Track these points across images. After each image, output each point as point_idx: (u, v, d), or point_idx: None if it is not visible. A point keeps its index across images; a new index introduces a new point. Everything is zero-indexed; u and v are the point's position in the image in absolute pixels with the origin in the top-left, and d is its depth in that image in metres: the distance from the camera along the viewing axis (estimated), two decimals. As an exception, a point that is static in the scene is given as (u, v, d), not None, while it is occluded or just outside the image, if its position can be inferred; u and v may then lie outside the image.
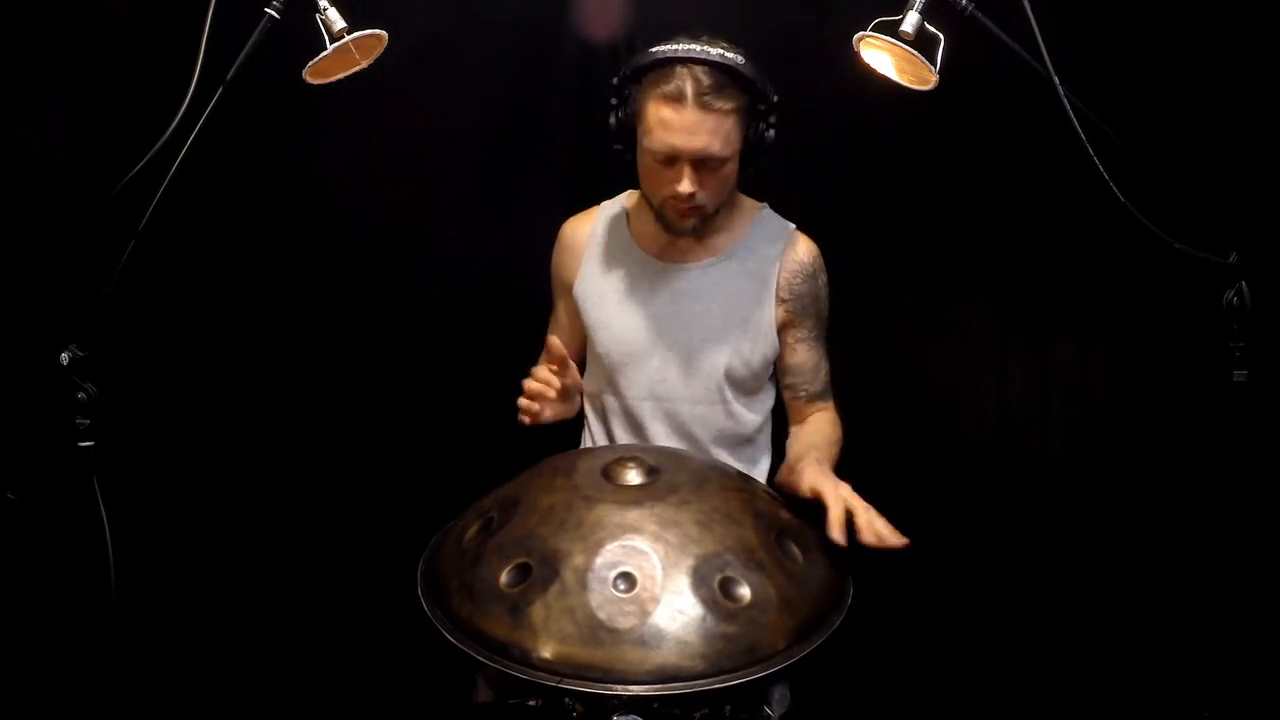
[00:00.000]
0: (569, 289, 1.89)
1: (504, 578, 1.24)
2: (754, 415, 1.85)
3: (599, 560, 1.22)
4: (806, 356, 1.83)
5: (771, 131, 1.69)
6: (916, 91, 1.63)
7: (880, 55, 1.63)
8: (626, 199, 1.91)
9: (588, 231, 1.90)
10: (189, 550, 2.17)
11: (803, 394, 1.85)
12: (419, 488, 2.15)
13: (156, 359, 2.11)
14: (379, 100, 2.01)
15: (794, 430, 1.85)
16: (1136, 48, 2.02)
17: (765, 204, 1.88)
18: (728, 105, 1.61)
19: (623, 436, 1.86)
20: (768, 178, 1.90)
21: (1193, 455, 2.03)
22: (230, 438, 2.21)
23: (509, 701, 1.26)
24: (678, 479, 1.36)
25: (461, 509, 1.46)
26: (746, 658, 1.19)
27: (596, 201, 1.94)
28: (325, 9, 1.57)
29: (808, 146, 2.15)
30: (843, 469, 1.81)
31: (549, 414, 1.69)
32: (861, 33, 1.60)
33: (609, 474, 1.37)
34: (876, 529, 1.39)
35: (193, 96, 1.55)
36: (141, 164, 1.57)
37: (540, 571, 1.23)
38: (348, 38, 1.57)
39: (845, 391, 1.89)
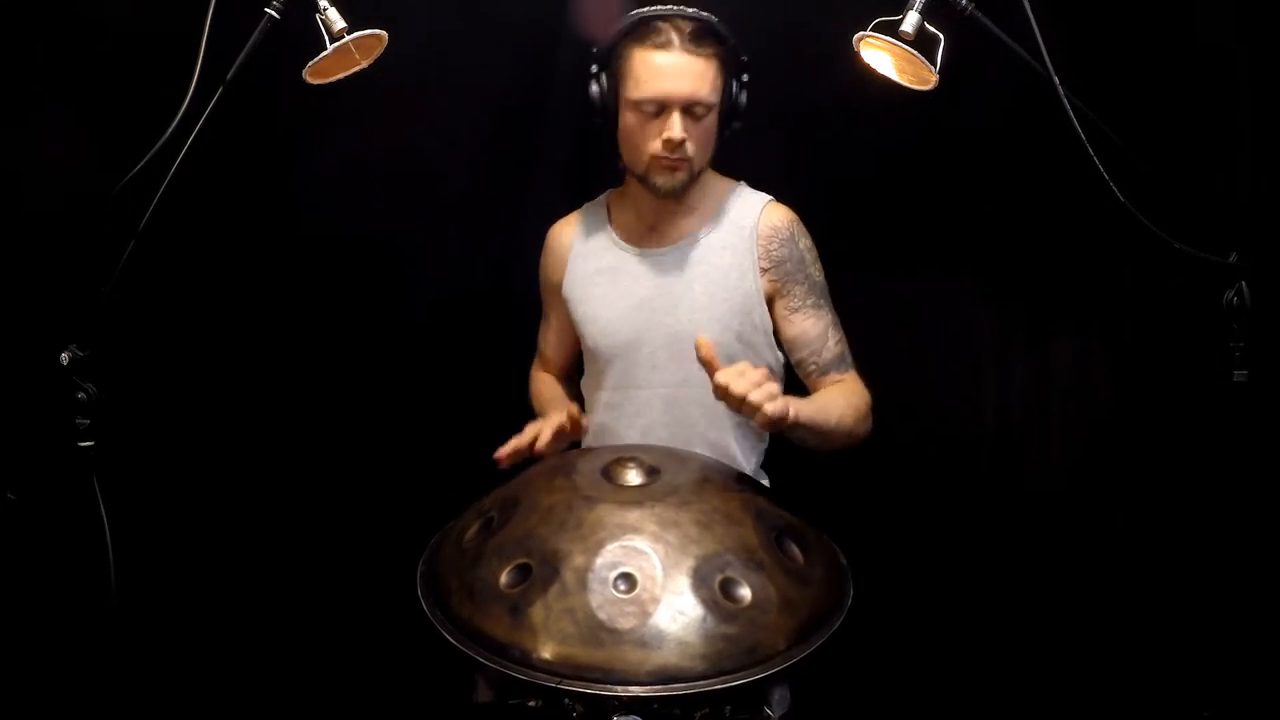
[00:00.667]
0: (558, 292, 1.90)
1: (504, 578, 1.24)
2: None
3: (599, 561, 1.22)
4: (805, 326, 1.80)
5: (744, 94, 1.75)
6: (916, 91, 1.63)
7: (880, 55, 1.63)
8: (606, 197, 1.93)
9: (571, 233, 1.92)
10: (189, 550, 2.17)
11: (813, 367, 1.81)
12: (419, 488, 2.15)
13: (156, 359, 2.11)
14: (379, 100, 2.01)
15: None
16: (1136, 48, 2.02)
17: (741, 181, 1.89)
18: (709, 51, 1.69)
19: (623, 429, 1.85)
20: (768, 176, 1.90)
21: (1193, 455, 2.03)
22: (230, 438, 2.21)
23: (509, 702, 1.26)
24: (678, 479, 1.36)
25: (461, 509, 1.46)
26: (747, 658, 1.19)
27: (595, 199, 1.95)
28: (325, 9, 1.57)
29: (808, 146, 2.16)
30: (843, 468, 1.81)
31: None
32: (861, 33, 1.60)
33: (609, 474, 1.37)
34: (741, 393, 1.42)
35: (193, 96, 1.55)
36: (141, 164, 1.57)
37: (540, 572, 1.23)
38: (348, 38, 1.57)
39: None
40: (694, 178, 1.75)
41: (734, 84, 1.74)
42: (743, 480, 1.49)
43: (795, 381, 1.86)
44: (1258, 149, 1.97)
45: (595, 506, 1.29)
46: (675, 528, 1.26)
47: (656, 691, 1.15)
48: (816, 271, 1.83)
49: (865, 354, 1.88)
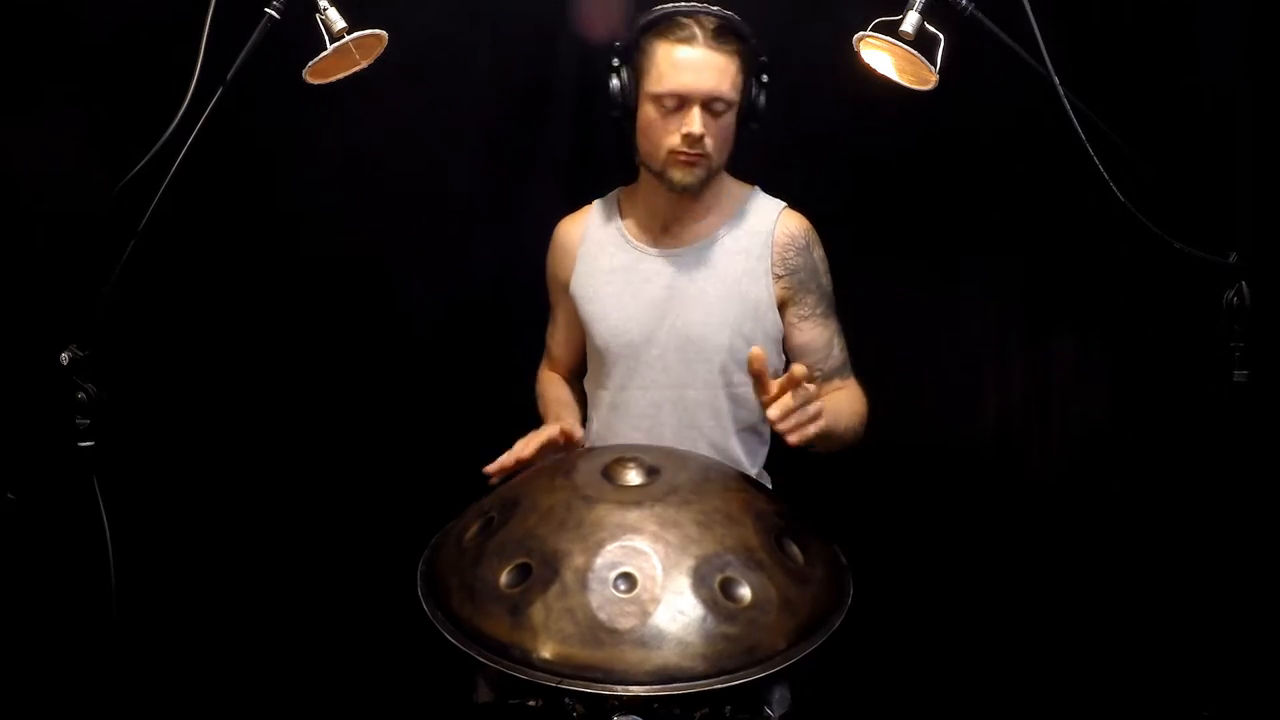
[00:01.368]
0: (566, 289, 1.89)
1: (504, 578, 1.24)
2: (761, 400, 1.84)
3: (599, 560, 1.22)
4: (814, 334, 1.82)
5: (763, 95, 1.75)
6: (916, 91, 1.63)
7: (880, 55, 1.63)
8: (618, 194, 1.92)
9: (580, 230, 1.90)
10: (189, 550, 2.17)
11: (818, 374, 1.82)
12: (419, 488, 2.15)
13: (156, 359, 2.11)
14: (379, 100, 2.01)
15: None
16: (1136, 48, 2.02)
17: (756, 186, 1.89)
18: (732, 48, 1.69)
19: (628, 429, 1.85)
20: (767, 176, 1.90)
21: (1193, 455, 2.03)
22: (230, 438, 2.21)
23: (509, 702, 1.26)
24: (678, 479, 1.36)
25: (461, 509, 1.46)
26: (747, 658, 1.19)
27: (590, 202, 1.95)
28: (325, 9, 1.57)
29: (808, 146, 2.16)
30: (843, 468, 1.82)
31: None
32: (861, 33, 1.60)
33: (609, 474, 1.37)
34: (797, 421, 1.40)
35: (193, 96, 1.55)
36: (141, 164, 1.57)
37: (540, 572, 1.23)
38: (348, 38, 1.57)
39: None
40: (711, 175, 1.75)
41: (754, 83, 1.74)
42: (743, 480, 1.49)
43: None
44: (1258, 149, 1.97)
45: (595, 506, 1.29)
46: (675, 528, 1.26)
47: (656, 691, 1.15)
48: (827, 281, 1.84)
49: (866, 354, 1.88)
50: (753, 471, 1.87)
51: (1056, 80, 1.53)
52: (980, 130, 2.14)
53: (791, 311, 1.82)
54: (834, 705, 1.59)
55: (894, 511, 2.24)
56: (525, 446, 1.62)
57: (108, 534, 1.66)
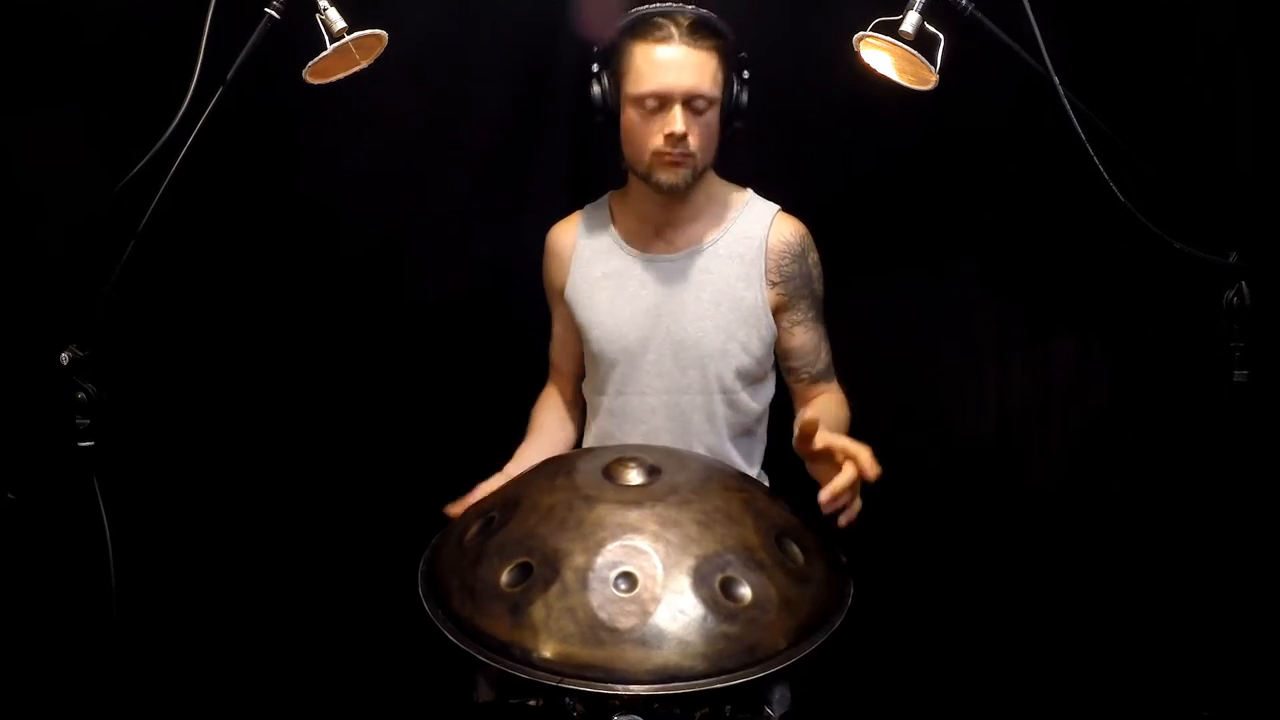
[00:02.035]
0: (561, 295, 1.89)
1: (505, 577, 1.24)
2: (755, 404, 1.85)
3: (600, 560, 1.22)
4: (805, 338, 1.83)
5: (745, 93, 1.74)
6: (916, 91, 1.63)
7: (880, 55, 1.63)
8: (609, 199, 1.92)
9: (573, 236, 1.90)
10: (189, 550, 2.17)
11: (805, 376, 1.84)
12: (419, 488, 2.15)
13: (156, 359, 2.10)
14: (379, 100, 2.01)
15: (802, 411, 1.82)
16: (1136, 48, 2.02)
17: (749, 189, 1.88)
18: (710, 44, 1.69)
19: (624, 434, 1.85)
20: (767, 176, 1.90)
21: (1193, 455, 2.03)
22: (230, 438, 2.21)
23: (509, 701, 1.26)
24: (678, 479, 1.36)
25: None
26: (747, 657, 1.19)
27: (596, 200, 1.95)
28: (325, 9, 1.57)
29: (808, 146, 2.16)
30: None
31: None
32: (861, 33, 1.60)
33: (609, 474, 1.37)
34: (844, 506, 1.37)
35: (193, 96, 1.55)
36: (141, 164, 1.57)
37: (541, 571, 1.23)
38: (348, 38, 1.57)
39: (844, 391, 1.89)
40: (698, 175, 1.74)
41: (735, 80, 1.74)
42: (743, 480, 1.48)
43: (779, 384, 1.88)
44: (1258, 149, 1.97)
45: (596, 506, 1.29)
46: (676, 527, 1.26)
47: (657, 690, 1.15)
48: (820, 287, 1.85)
49: (866, 354, 1.89)
50: (752, 473, 1.87)
51: (1056, 80, 1.53)
52: (980, 130, 2.14)
53: (784, 317, 1.82)
54: (834, 705, 1.59)
55: (894, 511, 2.24)
56: (480, 491, 1.59)
57: (108, 534, 1.66)
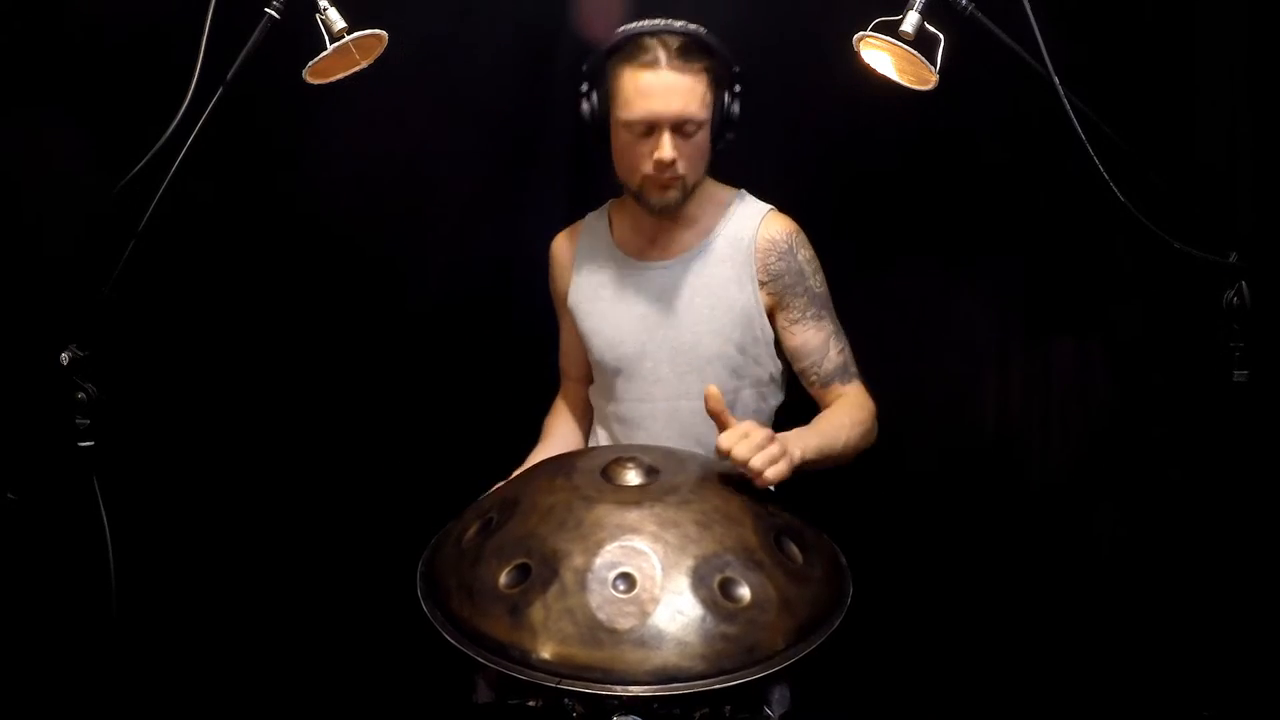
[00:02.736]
0: (565, 303, 1.90)
1: (503, 578, 1.24)
2: (761, 406, 1.85)
3: (598, 561, 1.22)
4: (806, 337, 1.80)
5: (737, 105, 1.72)
6: (916, 91, 1.63)
7: (880, 55, 1.63)
8: (608, 207, 1.92)
9: (573, 245, 1.91)
10: (189, 550, 2.17)
11: (815, 378, 1.82)
12: (419, 488, 2.15)
13: (156, 359, 2.11)
14: (379, 101, 2.01)
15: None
16: (1136, 47, 2.02)
17: (742, 190, 1.87)
18: (698, 66, 1.66)
19: (629, 441, 1.85)
20: (767, 177, 1.90)
21: (1193, 455, 2.03)
22: (230, 438, 2.21)
23: (508, 702, 1.26)
24: (677, 479, 1.36)
25: (461, 509, 1.46)
26: (746, 658, 1.19)
27: (595, 203, 1.95)
28: (325, 9, 1.57)
29: (807, 147, 2.16)
30: (844, 468, 1.81)
31: None
32: (861, 33, 1.60)
33: (608, 474, 1.37)
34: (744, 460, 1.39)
35: (193, 96, 1.55)
36: (141, 164, 1.57)
37: (540, 572, 1.23)
38: (348, 38, 1.57)
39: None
40: (688, 193, 1.74)
41: (726, 96, 1.72)
42: (742, 480, 1.48)
43: (796, 388, 1.87)
44: (1258, 150, 1.97)
45: (594, 506, 1.29)
46: (674, 527, 1.26)
47: (656, 691, 1.15)
48: (817, 283, 1.82)
49: (866, 355, 1.88)
50: None
51: (1056, 80, 1.53)
52: (980, 130, 2.14)
53: (781, 316, 1.81)
54: (834, 705, 1.59)
55: (894, 511, 2.24)
56: None
57: (108, 534, 1.66)
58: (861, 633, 1.34)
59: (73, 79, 1.96)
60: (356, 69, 1.62)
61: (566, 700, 1.21)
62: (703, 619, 1.19)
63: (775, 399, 1.87)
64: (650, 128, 1.67)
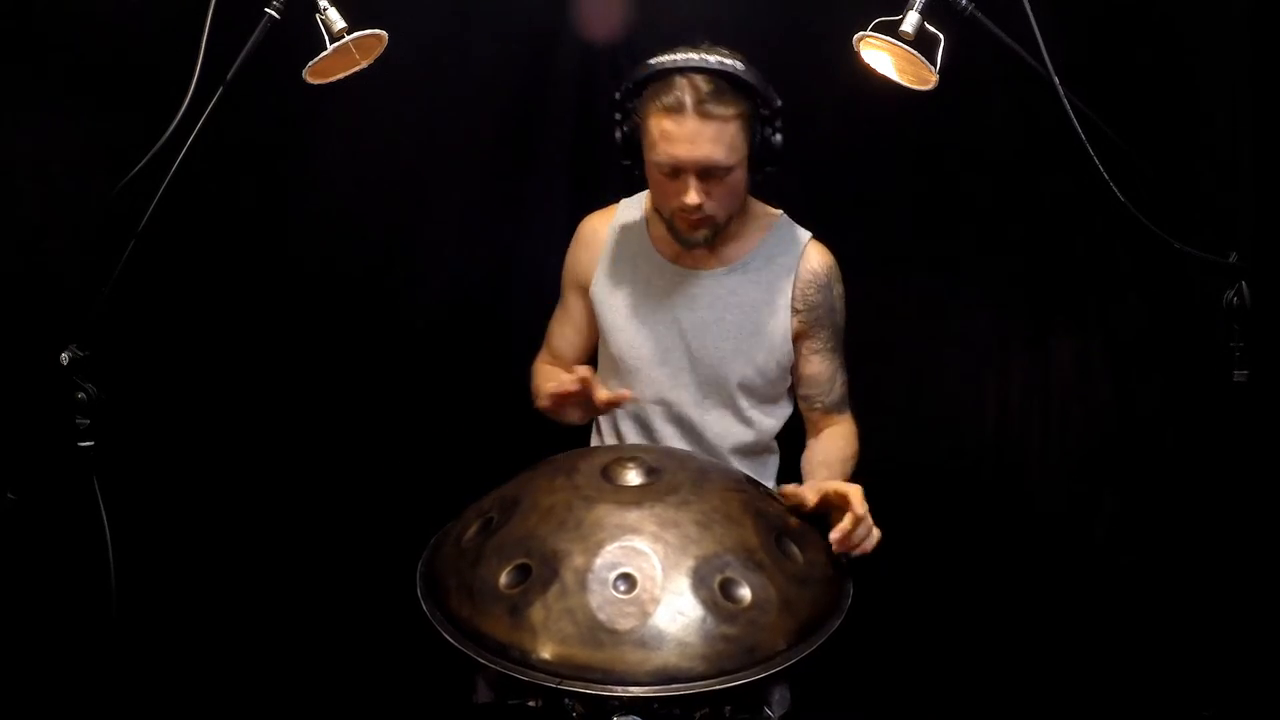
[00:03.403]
0: (584, 287, 1.88)
1: (504, 578, 1.24)
2: (770, 422, 1.85)
3: (599, 561, 1.22)
4: (821, 368, 1.82)
5: (779, 136, 1.67)
6: (916, 91, 1.63)
7: (880, 55, 1.63)
8: (645, 200, 1.88)
9: (606, 230, 1.88)
10: (189, 550, 2.17)
11: (818, 406, 1.84)
12: (419, 488, 2.15)
13: (156, 359, 2.10)
14: (379, 101, 2.01)
15: (810, 444, 1.83)
16: (1136, 47, 2.02)
17: (782, 212, 1.86)
18: (729, 111, 1.60)
19: (633, 439, 1.85)
20: (767, 180, 1.90)
21: (1193, 455, 2.03)
22: (230, 438, 2.21)
23: (509, 702, 1.26)
24: (678, 479, 1.36)
25: (461, 509, 1.46)
26: (747, 658, 1.19)
27: (595, 204, 1.94)
28: (325, 9, 1.57)
29: (807, 147, 2.15)
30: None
31: (572, 416, 1.76)
32: (861, 33, 1.60)
33: (609, 474, 1.37)
34: (858, 543, 1.40)
35: (193, 96, 1.55)
36: (141, 164, 1.57)
37: (540, 572, 1.23)
38: (348, 38, 1.57)
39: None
40: (720, 231, 1.72)
41: (765, 131, 1.65)
42: (743, 480, 1.49)
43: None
44: (1258, 150, 1.97)
45: (595, 507, 1.29)
46: (675, 528, 1.26)
47: (656, 692, 1.15)
48: (842, 319, 1.84)
49: (866, 355, 1.89)
50: None
51: (1056, 80, 1.53)
52: (980, 130, 2.14)
53: (804, 344, 1.81)
54: (834, 705, 1.59)
55: (894, 511, 2.24)
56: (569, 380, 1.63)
57: (108, 534, 1.66)
58: (861, 633, 1.34)
59: (73, 79, 1.96)
60: (356, 69, 1.62)
61: (566, 700, 1.21)
62: (703, 619, 1.19)
63: (781, 416, 1.88)
64: (676, 171, 1.63)
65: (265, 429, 2.23)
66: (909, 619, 2.16)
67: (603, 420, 1.91)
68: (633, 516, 1.28)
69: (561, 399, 1.67)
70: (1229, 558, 1.84)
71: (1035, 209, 2.17)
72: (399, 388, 2.28)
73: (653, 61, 1.62)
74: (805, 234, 1.84)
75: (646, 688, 1.15)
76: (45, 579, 1.95)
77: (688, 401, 1.81)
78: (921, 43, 1.55)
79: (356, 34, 1.58)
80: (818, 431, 1.84)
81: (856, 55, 1.64)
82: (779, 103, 1.65)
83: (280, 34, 1.56)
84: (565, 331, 1.94)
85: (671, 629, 1.18)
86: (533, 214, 2.21)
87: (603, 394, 1.63)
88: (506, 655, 1.19)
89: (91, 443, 1.63)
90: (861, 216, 2.15)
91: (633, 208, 1.89)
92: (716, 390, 1.80)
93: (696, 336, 1.79)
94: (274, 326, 2.22)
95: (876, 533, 1.42)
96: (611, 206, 1.92)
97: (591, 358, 1.94)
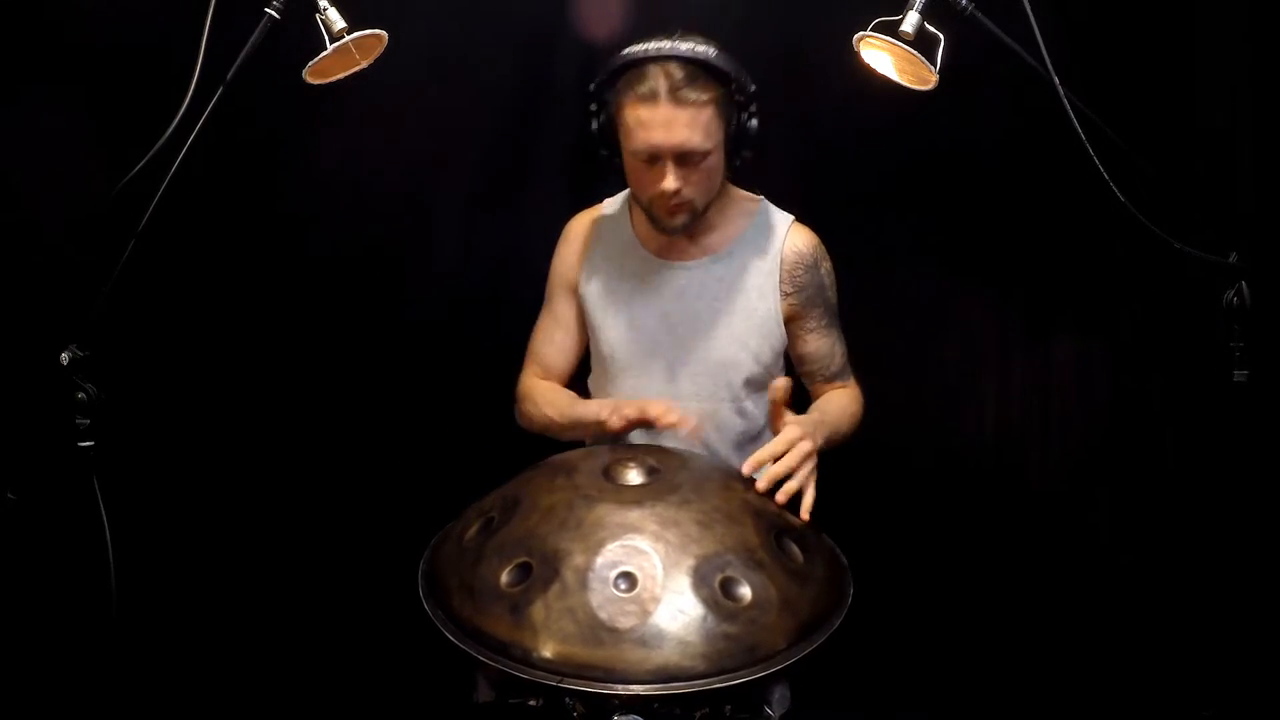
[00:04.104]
0: (571, 287, 1.88)
1: (504, 577, 1.24)
2: (764, 412, 1.85)
3: (600, 560, 1.22)
4: (820, 344, 1.83)
5: (754, 121, 1.68)
6: (916, 91, 1.63)
7: (880, 55, 1.63)
8: (629, 197, 1.89)
9: (592, 229, 1.89)
10: (189, 550, 2.17)
11: (821, 379, 1.86)
12: (419, 488, 2.15)
13: (156, 359, 2.11)
14: (379, 101, 2.01)
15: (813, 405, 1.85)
16: (1136, 47, 2.02)
17: (762, 197, 1.87)
18: (703, 96, 1.61)
19: (631, 437, 1.85)
20: (768, 177, 1.90)
21: (1193, 455, 2.03)
22: (230, 438, 2.21)
23: (509, 701, 1.26)
24: (678, 478, 1.36)
25: (461, 509, 1.46)
26: (747, 657, 1.19)
27: (596, 201, 1.94)
28: (325, 9, 1.57)
29: (807, 147, 2.16)
30: (845, 468, 1.82)
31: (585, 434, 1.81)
32: (861, 33, 1.60)
33: (609, 473, 1.37)
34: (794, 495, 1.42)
35: (193, 96, 1.55)
36: (141, 164, 1.57)
37: (541, 571, 1.23)
38: (348, 38, 1.57)
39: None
40: (699, 215, 1.73)
41: (741, 117, 1.67)
42: (743, 480, 1.48)
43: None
44: (1258, 149, 1.97)
45: (596, 506, 1.29)
46: (675, 527, 1.26)
47: (657, 690, 1.15)
48: (833, 295, 1.85)
49: (866, 355, 1.89)
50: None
51: (1056, 80, 1.53)
52: (980, 130, 2.14)
53: (797, 325, 1.82)
54: (834, 705, 1.59)
55: (894, 511, 2.24)
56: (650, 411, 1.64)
57: (108, 534, 1.66)
58: (861, 633, 1.34)
59: (73, 78, 1.96)
60: (356, 69, 1.62)
61: (567, 699, 1.21)
62: (704, 618, 1.19)
63: None
64: (653, 158, 1.64)
65: (265, 429, 2.23)
66: (909, 618, 2.16)
67: None
68: (634, 515, 1.28)
69: (633, 425, 1.67)
70: (1229, 557, 1.84)
71: (1035, 209, 2.17)
72: (399, 387, 2.28)
73: (626, 51, 1.63)
74: (787, 217, 1.85)
75: (647, 686, 1.15)
76: (45, 579, 1.96)
77: (682, 394, 1.81)
78: (921, 43, 1.55)
79: (356, 34, 1.58)
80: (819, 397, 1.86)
81: (856, 55, 1.64)
82: (753, 87, 1.67)
83: (280, 34, 1.56)
84: (554, 337, 1.91)
85: (672, 628, 1.18)
86: (532, 214, 2.20)
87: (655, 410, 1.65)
88: (507, 654, 1.19)
89: (91, 443, 1.63)
90: (862, 216, 2.15)
91: (617, 204, 1.90)
92: (711, 379, 1.79)
93: (687, 327, 1.79)
94: (274, 326, 2.22)
95: (807, 490, 1.44)
96: (596, 206, 1.92)
97: (583, 364, 1.94)
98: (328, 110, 1.99)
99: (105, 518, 1.66)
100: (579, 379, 1.94)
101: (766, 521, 1.33)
